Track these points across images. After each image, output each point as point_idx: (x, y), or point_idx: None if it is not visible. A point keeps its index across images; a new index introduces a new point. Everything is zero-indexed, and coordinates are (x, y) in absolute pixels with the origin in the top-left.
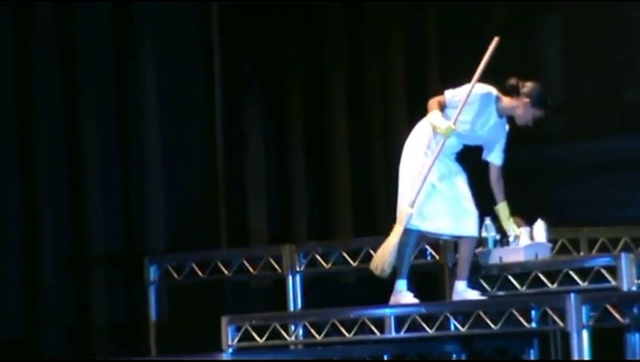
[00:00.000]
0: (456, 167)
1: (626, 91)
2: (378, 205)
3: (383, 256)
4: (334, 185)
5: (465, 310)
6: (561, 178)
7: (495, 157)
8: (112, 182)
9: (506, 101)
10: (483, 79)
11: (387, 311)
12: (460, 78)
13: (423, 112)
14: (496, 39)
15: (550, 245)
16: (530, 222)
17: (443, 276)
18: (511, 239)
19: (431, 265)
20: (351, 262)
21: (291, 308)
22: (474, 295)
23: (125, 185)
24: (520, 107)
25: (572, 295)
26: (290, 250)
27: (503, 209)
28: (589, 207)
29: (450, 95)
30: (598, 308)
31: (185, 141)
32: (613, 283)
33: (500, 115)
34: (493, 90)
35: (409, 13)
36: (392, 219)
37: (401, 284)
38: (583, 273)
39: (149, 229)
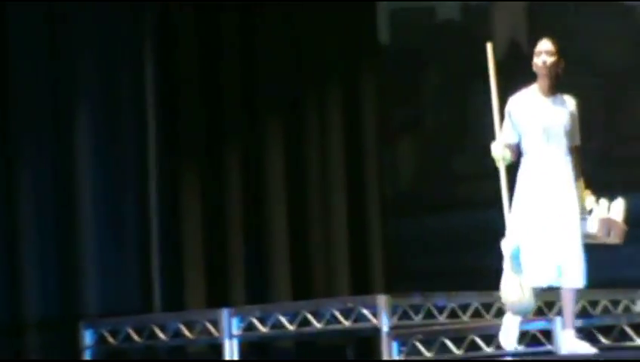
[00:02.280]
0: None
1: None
2: (316, 269)
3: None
4: (272, 248)
5: None
6: (496, 242)
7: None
8: (47, 247)
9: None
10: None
11: None
12: (396, 139)
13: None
14: (489, 45)
15: (625, 228)
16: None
17: (379, 340)
18: (587, 211)
19: (368, 329)
20: (288, 326)
21: None
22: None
23: (60, 250)
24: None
25: (508, 358)
26: (227, 313)
27: (578, 186)
28: None
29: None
30: None
31: (119, 204)
32: (549, 346)
33: (548, 95)
34: (519, 94)
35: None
36: (330, 282)
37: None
38: (520, 337)
39: (84, 294)
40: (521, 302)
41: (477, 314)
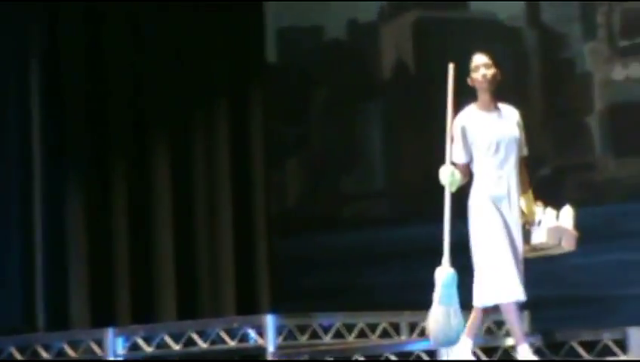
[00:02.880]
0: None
1: None
2: (202, 288)
3: None
4: (158, 267)
5: None
6: (382, 262)
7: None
8: None
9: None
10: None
11: None
12: (284, 158)
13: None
14: (451, 66)
15: (577, 234)
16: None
17: (265, 360)
18: (536, 222)
19: (253, 349)
20: (173, 345)
21: None
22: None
23: None
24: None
25: None
26: (111, 333)
27: (527, 197)
28: (411, 290)
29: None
30: None
31: (2, 224)
32: None
33: (492, 109)
34: (463, 113)
35: (234, 101)
36: (216, 302)
37: None
38: (404, 357)
39: None
40: (446, 333)
41: (362, 334)
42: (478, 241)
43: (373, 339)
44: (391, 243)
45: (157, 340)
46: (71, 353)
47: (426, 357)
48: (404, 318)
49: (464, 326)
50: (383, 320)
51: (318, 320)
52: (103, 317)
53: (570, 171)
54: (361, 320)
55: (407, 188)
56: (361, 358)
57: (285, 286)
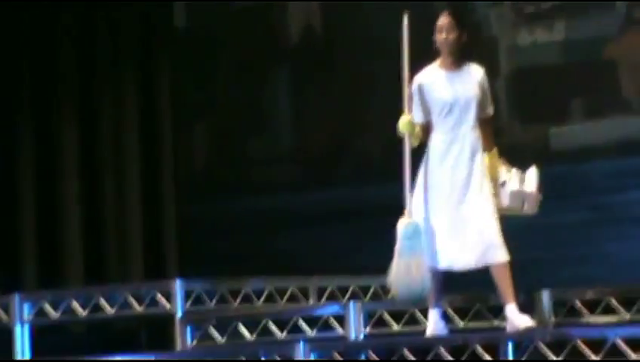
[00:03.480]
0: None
1: (354, 141)
2: (110, 254)
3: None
4: (65, 233)
5: (195, 358)
6: (290, 226)
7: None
8: None
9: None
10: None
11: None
12: (192, 124)
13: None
14: (405, 16)
15: (540, 197)
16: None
17: (173, 325)
18: (500, 183)
19: (161, 314)
20: (80, 311)
21: (19, 358)
22: (525, 319)
23: None
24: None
25: (301, 343)
26: (17, 299)
27: (491, 157)
28: (319, 255)
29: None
30: (326, 356)
31: None
32: (341, 331)
33: (452, 69)
34: (423, 71)
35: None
36: (124, 267)
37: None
38: (313, 322)
39: None
40: (410, 287)
41: (271, 299)
42: (419, 201)
43: (282, 304)
44: (298, 208)
45: (64, 306)
46: None
47: (335, 323)
48: (312, 282)
49: (429, 280)
50: (292, 285)
51: (227, 284)
52: (8, 282)
53: None
54: (268, 285)
55: (314, 153)
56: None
57: (193, 251)
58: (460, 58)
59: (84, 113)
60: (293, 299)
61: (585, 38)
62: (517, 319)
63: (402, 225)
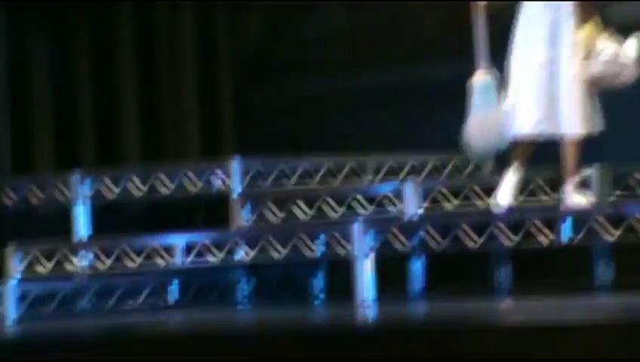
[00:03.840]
0: None
1: (408, 19)
2: (167, 134)
3: None
4: (122, 113)
5: (251, 236)
6: (346, 106)
7: None
8: None
9: None
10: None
11: (176, 238)
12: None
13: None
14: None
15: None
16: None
17: (230, 203)
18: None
19: (219, 193)
20: (141, 187)
21: (79, 236)
22: (580, 199)
23: None
24: None
25: (357, 222)
26: (77, 177)
27: (589, 26)
28: (376, 133)
29: None
30: (383, 234)
31: None
32: (398, 208)
33: None
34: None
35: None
36: (181, 146)
37: None
38: (370, 199)
39: None
40: (486, 141)
41: (328, 177)
42: (515, 66)
43: (339, 182)
44: (354, 88)
45: (123, 184)
46: (37, 196)
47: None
48: (369, 159)
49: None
50: (349, 163)
51: (283, 163)
52: (67, 160)
53: None
54: (325, 163)
55: (368, 32)
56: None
57: (250, 131)
58: None
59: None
60: (350, 175)
61: None
62: (571, 198)
63: (477, 79)
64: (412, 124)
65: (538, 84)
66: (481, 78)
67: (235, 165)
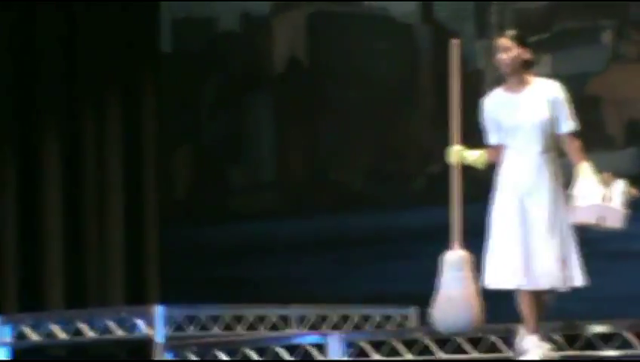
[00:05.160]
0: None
1: (334, 170)
2: (90, 278)
3: None
4: (46, 256)
5: None
6: (272, 254)
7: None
8: None
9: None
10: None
11: None
12: (176, 150)
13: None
14: (454, 42)
15: (624, 213)
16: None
17: (153, 350)
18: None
19: (142, 339)
20: (61, 334)
21: None
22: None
23: None
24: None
25: None
26: None
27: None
28: (300, 284)
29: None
30: None
31: None
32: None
33: (517, 90)
34: (489, 95)
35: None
36: (105, 292)
37: None
38: (292, 350)
39: None
40: (456, 319)
41: (251, 327)
42: (491, 225)
43: (262, 332)
44: (279, 236)
45: (45, 329)
46: None
47: (315, 352)
48: (293, 311)
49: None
50: (272, 313)
51: (207, 311)
52: None
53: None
54: (249, 313)
55: (295, 181)
56: (251, 351)
57: (174, 277)
58: (525, 78)
59: (67, 137)
60: (273, 326)
61: (570, 73)
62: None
63: (449, 257)
64: (335, 274)
65: (510, 237)
66: (454, 255)
67: (159, 312)
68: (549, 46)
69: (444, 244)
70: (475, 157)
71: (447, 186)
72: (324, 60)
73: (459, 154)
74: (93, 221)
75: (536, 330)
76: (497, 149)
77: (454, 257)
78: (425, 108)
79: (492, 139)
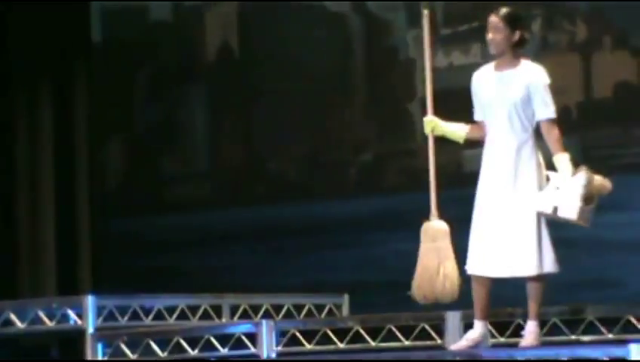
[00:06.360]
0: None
1: (269, 159)
2: (22, 268)
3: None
4: None
5: None
6: (204, 245)
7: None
8: None
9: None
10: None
11: None
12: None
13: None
14: (425, 13)
15: (581, 205)
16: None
17: (84, 341)
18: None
19: (73, 330)
20: None
21: None
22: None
23: None
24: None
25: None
26: None
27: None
28: (232, 273)
29: None
30: None
31: None
32: (253, 349)
33: (503, 69)
34: (478, 70)
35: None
36: (37, 282)
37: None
38: (225, 339)
39: None
40: (434, 290)
41: (183, 317)
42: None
43: (194, 322)
44: (213, 226)
45: None
46: None
47: (247, 342)
48: (225, 301)
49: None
50: (204, 303)
51: (139, 301)
52: None
53: (392, 157)
54: (181, 302)
55: (229, 171)
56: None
57: (106, 268)
58: (515, 58)
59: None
60: (205, 316)
61: None
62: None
63: (426, 226)
64: (268, 265)
65: (486, 224)
66: (431, 226)
67: (90, 302)
68: (478, 35)
69: (378, 233)
70: (449, 129)
71: (379, 176)
72: (258, 49)
73: (431, 124)
74: (24, 211)
75: (481, 318)
76: (481, 125)
77: (431, 227)
78: (358, 98)
79: (476, 115)
